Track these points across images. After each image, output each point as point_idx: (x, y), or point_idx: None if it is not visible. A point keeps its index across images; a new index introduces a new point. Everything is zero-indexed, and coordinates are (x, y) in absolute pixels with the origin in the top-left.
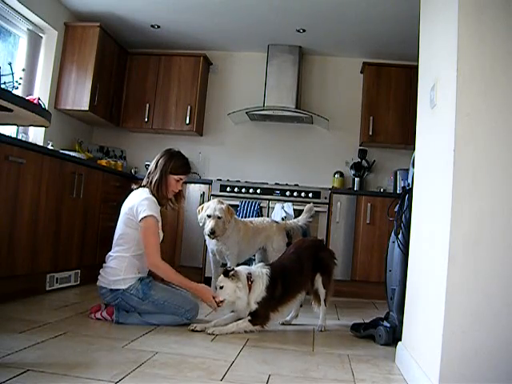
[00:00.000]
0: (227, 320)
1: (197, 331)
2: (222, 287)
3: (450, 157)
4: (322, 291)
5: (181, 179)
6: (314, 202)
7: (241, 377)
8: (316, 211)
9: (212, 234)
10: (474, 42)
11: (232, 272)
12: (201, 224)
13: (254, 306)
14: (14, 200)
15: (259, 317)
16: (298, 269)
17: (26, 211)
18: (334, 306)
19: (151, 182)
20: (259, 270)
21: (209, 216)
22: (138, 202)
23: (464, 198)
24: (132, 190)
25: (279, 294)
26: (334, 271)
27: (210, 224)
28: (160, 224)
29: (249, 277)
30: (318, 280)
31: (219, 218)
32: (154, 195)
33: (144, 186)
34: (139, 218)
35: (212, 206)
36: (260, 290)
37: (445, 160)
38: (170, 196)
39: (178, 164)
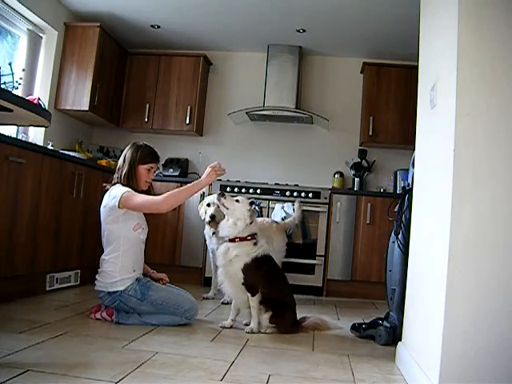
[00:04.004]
0: (235, 307)
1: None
2: (237, 201)
3: (450, 157)
4: None
5: (151, 168)
6: (313, 202)
7: (241, 377)
8: (316, 211)
9: (212, 218)
10: (473, 41)
11: (257, 208)
12: (202, 217)
13: (240, 275)
14: (14, 200)
15: (251, 284)
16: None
17: (26, 211)
18: (334, 306)
19: (121, 177)
20: (263, 245)
21: (208, 205)
22: (110, 195)
23: (464, 198)
24: (106, 191)
25: (259, 276)
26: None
27: (210, 210)
28: (143, 219)
29: (253, 236)
30: None
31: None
32: None
33: (115, 184)
34: (117, 203)
35: (212, 196)
36: (247, 252)
37: (445, 160)
38: (144, 187)
39: (145, 153)
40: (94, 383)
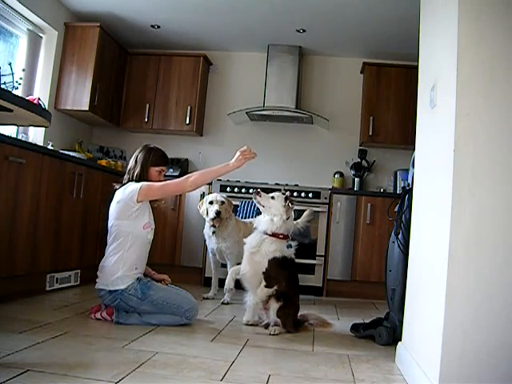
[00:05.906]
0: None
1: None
2: (273, 198)
3: (450, 157)
4: None
5: (162, 170)
6: (313, 202)
7: (241, 377)
8: (316, 211)
9: (218, 214)
10: (473, 41)
11: (291, 204)
12: (204, 215)
13: (264, 264)
14: (14, 200)
15: (271, 276)
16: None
17: (25, 211)
18: (334, 306)
19: (133, 178)
20: (291, 248)
21: (211, 203)
22: (124, 191)
23: (464, 198)
24: (115, 191)
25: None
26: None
27: (214, 207)
28: (152, 219)
29: (285, 235)
30: None
31: (222, 202)
32: None
33: (125, 184)
34: (136, 196)
35: (213, 195)
36: (280, 249)
37: (445, 160)
38: None
39: (157, 156)
40: (93, 383)
